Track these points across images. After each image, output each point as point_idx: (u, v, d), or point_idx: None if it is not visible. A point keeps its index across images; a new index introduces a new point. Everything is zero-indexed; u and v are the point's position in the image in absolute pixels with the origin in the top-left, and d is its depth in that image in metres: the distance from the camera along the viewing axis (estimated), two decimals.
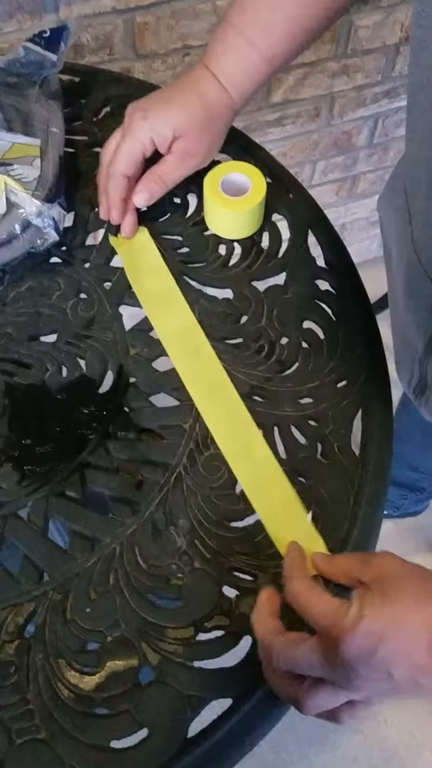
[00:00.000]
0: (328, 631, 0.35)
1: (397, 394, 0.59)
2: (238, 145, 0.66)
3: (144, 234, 0.60)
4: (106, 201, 0.58)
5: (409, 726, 1.13)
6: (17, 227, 0.54)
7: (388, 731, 1.12)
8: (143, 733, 0.41)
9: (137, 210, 0.59)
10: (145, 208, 0.59)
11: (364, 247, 1.54)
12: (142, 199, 0.57)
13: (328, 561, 0.43)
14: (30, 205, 0.54)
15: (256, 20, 0.53)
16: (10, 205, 0.54)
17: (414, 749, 1.11)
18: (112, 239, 0.60)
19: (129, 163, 0.56)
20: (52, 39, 0.64)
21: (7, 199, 0.54)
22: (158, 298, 0.57)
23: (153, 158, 0.58)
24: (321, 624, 0.36)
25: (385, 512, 1.25)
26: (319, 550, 0.46)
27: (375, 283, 0.75)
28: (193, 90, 0.56)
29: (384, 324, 0.58)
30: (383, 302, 1.15)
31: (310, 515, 0.47)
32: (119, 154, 0.56)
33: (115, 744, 0.41)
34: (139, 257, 0.59)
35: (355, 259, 0.60)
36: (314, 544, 0.46)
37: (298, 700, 0.38)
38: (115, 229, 0.60)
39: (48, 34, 0.65)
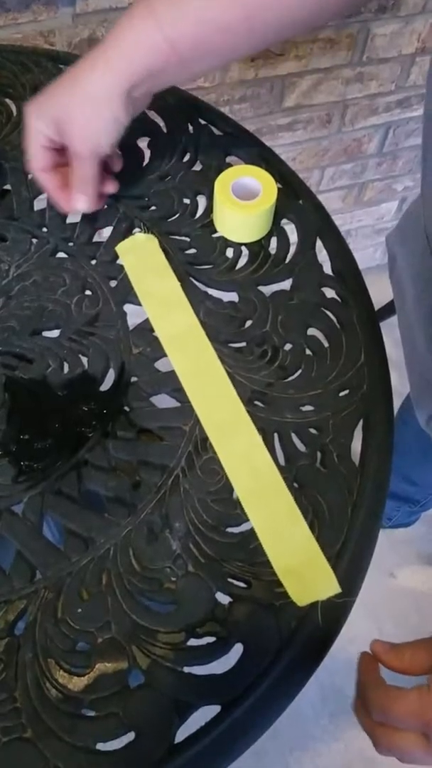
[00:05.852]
0: (422, 726, 0.36)
1: (396, 404, 0.59)
2: (250, 149, 0.66)
3: (153, 243, 0.59)
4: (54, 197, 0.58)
5: None
6: None
7: (368, 741, 1.12)
8: (130, 736, 0.41)
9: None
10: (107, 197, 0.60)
11: (368, 254, 1.55)
12: (81, 202, 0.57)
13: (396, 656, 0.41)
14: None
15: None
16: None
17: (393, 759, 1.11)
18: (118, 248, 0.59)
19: (35, 155, 0.55)
20: None
21: None
22: (161, 298, 0.56)
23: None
24: (411, 722, 0.37)
25: None
26: (318, 561, 0.45)
27: (378, 291, 0.75)
28: (78, 70, 0.52)
29: (386, 333, 0.58)
30: (386, 310, 1.15)
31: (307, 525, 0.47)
32: (26, 153, 0.56)
33: (102, 746, 0.41)
34: (145, 261, 0.58)
35: (359, 266, 0.60)
36: (313, 554, 0.46)
37: (391, 749, 0.40)
38: (122, 236, 0.60)
39: None
